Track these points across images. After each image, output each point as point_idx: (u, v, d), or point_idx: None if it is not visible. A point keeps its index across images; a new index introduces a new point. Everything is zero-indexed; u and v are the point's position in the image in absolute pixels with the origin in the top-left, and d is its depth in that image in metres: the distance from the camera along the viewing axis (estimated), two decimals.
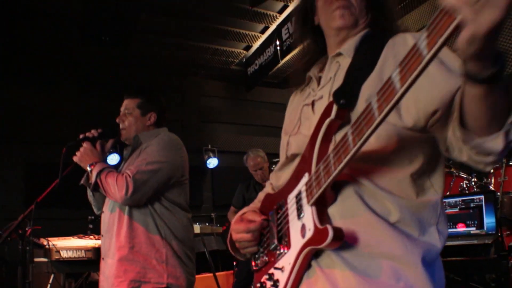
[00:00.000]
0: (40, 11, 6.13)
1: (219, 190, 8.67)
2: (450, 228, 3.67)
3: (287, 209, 1.42)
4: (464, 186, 4.32)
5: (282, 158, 1.64)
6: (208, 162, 8.45)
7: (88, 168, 2.73)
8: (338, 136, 1.30)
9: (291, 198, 1.40)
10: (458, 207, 3.62)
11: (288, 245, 1.38)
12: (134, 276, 2.64)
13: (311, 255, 1.30)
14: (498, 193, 3.80)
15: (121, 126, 2.94)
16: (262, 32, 7.49)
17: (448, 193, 4.36)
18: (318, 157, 1.29)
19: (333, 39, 1.55)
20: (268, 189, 1.80)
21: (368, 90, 1.30)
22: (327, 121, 1.30)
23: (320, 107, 1.40)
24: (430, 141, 1.30)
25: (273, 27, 7.25)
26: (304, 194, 1.32)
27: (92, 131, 2.83)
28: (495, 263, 3.35)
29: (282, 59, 7.05)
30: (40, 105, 7.51)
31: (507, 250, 3.36)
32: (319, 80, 1.56)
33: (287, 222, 1.40)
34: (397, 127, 1.27)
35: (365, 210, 1.27)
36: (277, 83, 9.22)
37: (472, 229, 3.49)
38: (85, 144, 2.78)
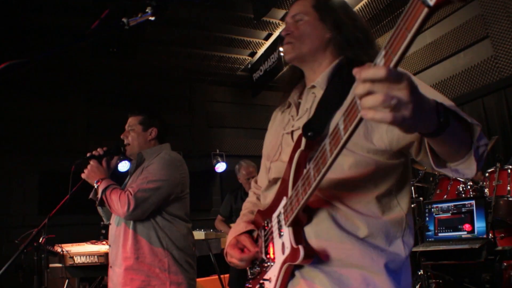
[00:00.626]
0: (50, 26, 6.33)
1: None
2: (442, 232, 3.80)
3: (271, 227, 1.61)
4: (461, 189, 4.43)
5: (265, 181, 1.82)
6: (216, 166, 8.60)
7: (95, 185, 2.92)
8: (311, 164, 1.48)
9: (274, 218, 1.59)
10: (451, 212, 3.76)
11: (273, 259, 1.57)
12: (140, 284, 2.83)
13: (291, 269, 1.49)
14: (492, 197, 3.91)
15: (125, 141, 3.14)
16: (266, 38, 7.63)
17: (445, 197, 4.48)
18: (294, 183, 1.47)
19: (305, 69, 1.71)
20: (253, 199, 1.98)
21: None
22: (298, 152, 1.48)
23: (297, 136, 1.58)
24: (396, 167, 1.47)
25: (276, 33, 7.40)
26: (282, 216, 1.51)
27: (98, 149, 3.02)
28: (488, 265, 3.47)
29: (285, 65, 7.15)
30: (52, 116, 7.72)
31: (497, 253, 3.47)
32: (298, 106, 1.71)
33: (272, 238, 1.59)
34: (365, 156, 1.44)
35: (337, 229, 1.44)
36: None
37: (464, 233, 3.62)
38: (92, 162, 2.97)
